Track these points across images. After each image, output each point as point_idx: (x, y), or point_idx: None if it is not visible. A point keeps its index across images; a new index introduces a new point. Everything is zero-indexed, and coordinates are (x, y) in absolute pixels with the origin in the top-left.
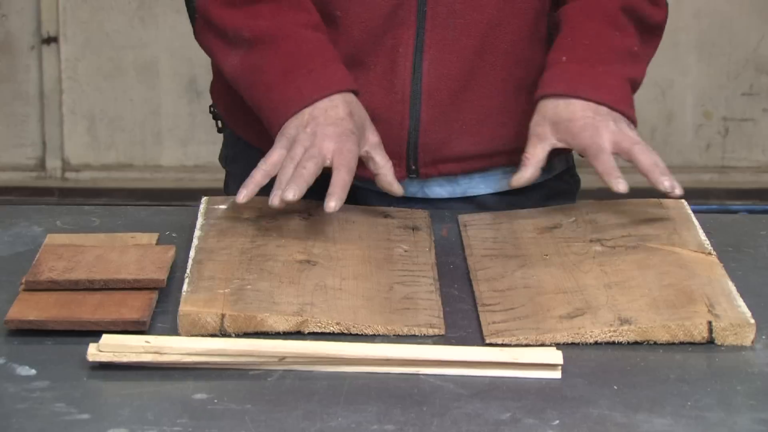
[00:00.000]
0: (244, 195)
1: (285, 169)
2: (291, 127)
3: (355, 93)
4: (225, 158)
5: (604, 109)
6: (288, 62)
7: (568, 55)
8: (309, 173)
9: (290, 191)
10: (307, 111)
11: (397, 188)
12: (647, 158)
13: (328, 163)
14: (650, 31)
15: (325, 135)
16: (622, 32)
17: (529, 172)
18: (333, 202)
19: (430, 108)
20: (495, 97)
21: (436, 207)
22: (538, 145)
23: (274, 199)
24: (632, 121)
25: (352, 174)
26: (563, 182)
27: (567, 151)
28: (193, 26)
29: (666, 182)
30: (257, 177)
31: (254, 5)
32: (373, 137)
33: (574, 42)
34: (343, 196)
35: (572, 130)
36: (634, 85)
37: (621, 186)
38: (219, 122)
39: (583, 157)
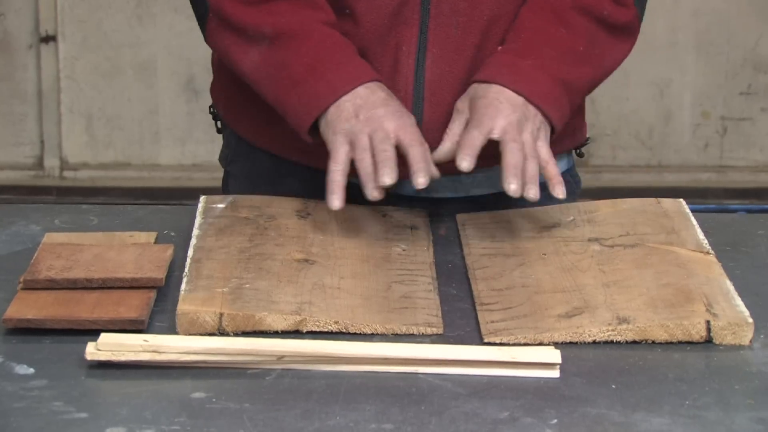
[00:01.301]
0: (337, 199)
1: (363, 162)
2: (341, 121)
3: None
4: (225, 158)
5: (519, 100)
6: (314, 57)
7: (504, 46)
8: (392, 154)
9: (386, 176)
10: (348, 102)
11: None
12: (511, 157)
13: (394, 142)
14: (616, 30)
15: (381, 117)
16: (570, 30)
17: (446, 146)
18: (422, 178)
19: (433, 106)
20: None
21: (439, 207)
22: (456, 119)
23: (373, 192)
24: (550, 120)
25: (425, 146)
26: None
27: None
28: (202, 28)
29: (512, 185)
30: (338, 178)
31: (270, 3)
32: None
33: (514, 35)
34: (430, 169)
35: (477, 106)
36: (571, 87)
37: (464, 164)
38: (219, 122)
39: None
